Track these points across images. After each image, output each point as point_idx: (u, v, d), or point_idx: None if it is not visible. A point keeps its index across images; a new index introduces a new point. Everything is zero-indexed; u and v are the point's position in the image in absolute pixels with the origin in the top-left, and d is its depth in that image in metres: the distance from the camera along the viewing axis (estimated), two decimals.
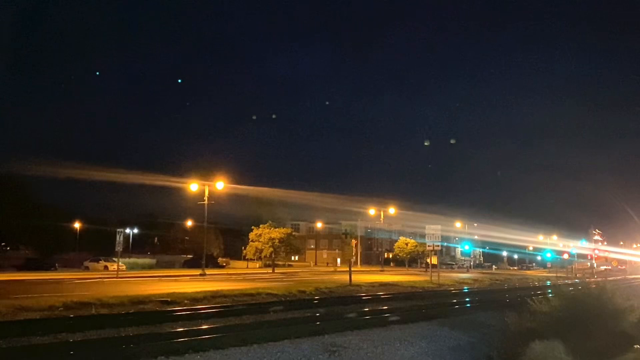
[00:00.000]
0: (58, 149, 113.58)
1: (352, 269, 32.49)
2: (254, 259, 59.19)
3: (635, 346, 9.68)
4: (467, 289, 32.97)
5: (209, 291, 20.32)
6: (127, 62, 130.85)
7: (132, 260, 59.35)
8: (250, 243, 52.07)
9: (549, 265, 79.76)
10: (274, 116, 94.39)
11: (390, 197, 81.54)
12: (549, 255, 75.32)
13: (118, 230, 37.45)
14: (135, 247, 73.12)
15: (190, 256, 68.37)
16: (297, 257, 75.08)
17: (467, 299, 24.13)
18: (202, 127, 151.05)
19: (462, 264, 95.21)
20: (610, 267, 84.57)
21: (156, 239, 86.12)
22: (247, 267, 66.39)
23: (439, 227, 35.50)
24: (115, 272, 39.48)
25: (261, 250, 50.81)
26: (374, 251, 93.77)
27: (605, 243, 80.00)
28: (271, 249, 50.25)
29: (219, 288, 22.02)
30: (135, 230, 75.76)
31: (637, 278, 49.25)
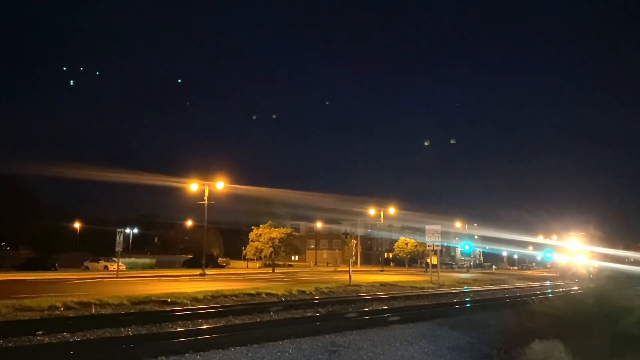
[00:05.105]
0: (58, 149, 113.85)
1: (352, 268, 32.49)
2: (254, 259, 59.16)
3: None
4: (467, 288, 32.93)
5: (209, 291, 20.31)
6: (127, 62, 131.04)
7: (132, 260, 59.35)
8: (250, 243, 52.05)
9: (549, 265, 79.64)
10: (274, 116, 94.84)
11: (390, 197, 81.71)
12: (549, 255, 75.17)
13: (118, 230, 37.38)
14: (135, 247, 73.18)
15: (190, 256, 68.38)
16: (297, 257, 75.11)
17: (467, 299, 24.11)
18: (202, 127, 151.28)
19: (462, 264, 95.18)
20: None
21: (156, 239, 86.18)
22: (247, 267, 66.44)
23: (439, 227, 35.34)
24: (115, 272, 39.46)
25: (261, 250, 50.80)
26: (374, 251, 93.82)
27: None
28: (271, 249, 50.24)
29: (219, 288, 22.02)
30: (135, 230, 75.84)
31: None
